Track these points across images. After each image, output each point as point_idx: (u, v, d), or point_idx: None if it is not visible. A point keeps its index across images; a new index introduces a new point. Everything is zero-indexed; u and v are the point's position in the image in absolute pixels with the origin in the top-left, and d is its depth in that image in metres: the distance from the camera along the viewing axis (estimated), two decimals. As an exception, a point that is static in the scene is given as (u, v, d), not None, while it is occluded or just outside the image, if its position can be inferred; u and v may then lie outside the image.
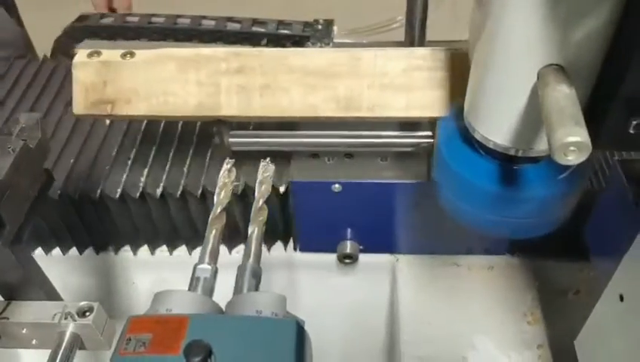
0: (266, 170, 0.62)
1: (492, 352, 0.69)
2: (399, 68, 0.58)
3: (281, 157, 0.69)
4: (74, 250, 0.79)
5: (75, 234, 0.77)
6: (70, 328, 0.50)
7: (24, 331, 0.52)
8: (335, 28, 0.71)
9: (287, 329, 0.38)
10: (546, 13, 0.37)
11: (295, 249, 0.77)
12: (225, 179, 0.60)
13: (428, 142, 0.62)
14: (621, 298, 0.48)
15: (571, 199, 0.52)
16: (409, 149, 0.64)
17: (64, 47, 0.86)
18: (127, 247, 0.79)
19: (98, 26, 0.81)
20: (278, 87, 0.59)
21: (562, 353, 0.68)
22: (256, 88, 0.59)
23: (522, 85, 0.41)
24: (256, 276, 0.48)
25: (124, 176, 0.71)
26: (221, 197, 0.56)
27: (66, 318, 0.50)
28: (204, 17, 0.76)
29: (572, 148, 0.34)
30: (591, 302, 0.53)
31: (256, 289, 0.48)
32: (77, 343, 0.50)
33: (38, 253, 0.79)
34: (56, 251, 0.79)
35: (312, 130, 0.65)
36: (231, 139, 0.63)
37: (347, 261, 0.74)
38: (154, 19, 0.79)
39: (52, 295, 0.55)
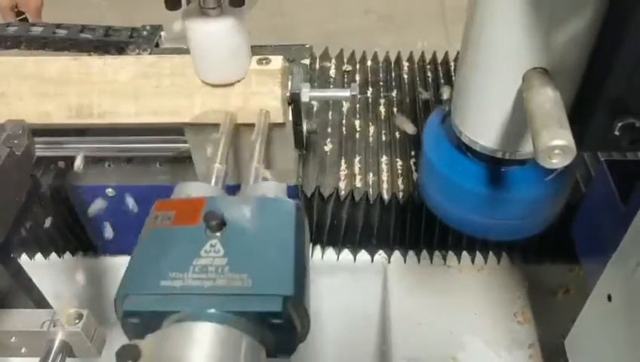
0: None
1: (483, 352, 0.70)
2: (128, 76, 0.60)
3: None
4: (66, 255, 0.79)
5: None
6: (59, 336, 0.50)
7: (13, 339, 0.51)
8: (163, 33, 0.72)
9: (288, 206, 0.43)
10: (530, 17, 0.37)
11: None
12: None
13: (186, 147, 0.65)
14: (609, 298, 0.48)
15: (559, 200, 0.52)
16: (170, 154, 0.68)
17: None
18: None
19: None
20: (13, 95, 0.60)
21: (553, 352, 0.68)
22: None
23: (508, 88, 0.41)
24: (261, 175, 0.51)
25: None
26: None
27: (55, 326, 0.50)
28: (34, 25, 0.74)
29: (557, 151, 0.34)
30: (580, 302, 0.53)
31: None
32: (66, 351, 0.50)
33: (26, 260, 0.78)
34: (46, 257, 0.78)
35: (94, 136, 0.67)
36: None
37: None
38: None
39: (41, 302, 0.55)
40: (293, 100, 0.61)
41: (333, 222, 0.74)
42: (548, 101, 0.37)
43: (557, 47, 0.38)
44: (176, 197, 0.46)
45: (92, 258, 0.79)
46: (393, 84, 0.85)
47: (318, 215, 0.73)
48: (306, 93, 0.61)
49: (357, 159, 0.75)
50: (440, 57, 0.88)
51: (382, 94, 0.83)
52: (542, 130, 0.35)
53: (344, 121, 0.79)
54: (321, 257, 0.78)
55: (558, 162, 0.34)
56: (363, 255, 0.77)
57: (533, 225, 0.52)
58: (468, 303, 0.73)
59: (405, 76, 0.86)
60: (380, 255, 0.77)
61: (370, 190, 0.70)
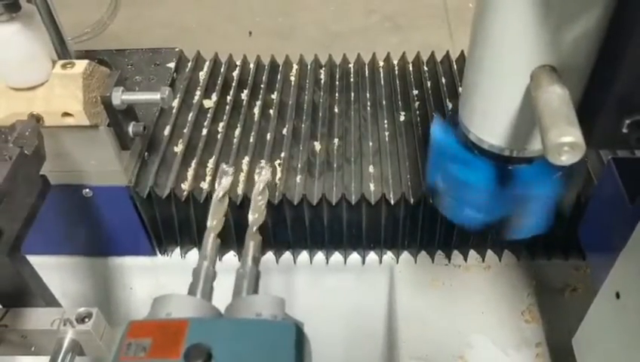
0: (262, 174, 0.62)
1: (490, 351, 0.70)
2: None
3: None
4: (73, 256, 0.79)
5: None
6: (69, 334, 0.50)
7: (23, 338, 0.52)
8: None
9: (287, 332, 0.38)
10: (538, 15, 0.37)
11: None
12: (224, 185, 0.60)
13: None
14: (617, 295, 0.48)
15: (567, 198, 0.52)
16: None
17: None
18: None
19: None
20: None
21: (561, 351, 0.68)
22: None
23: (515, 86, 0.41)
24: (255, 279, 0.48)
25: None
26: (219, 202, 0.56)
27: (65, 325, 0.50)
28: None
29: (566, 148, 0.34)
30: (588, 300, 0.53)
31: (255, 292, 0.48)
32: (76, 349, 0.51)
33: (35, 260, 0.79)
34: (54, 258, 0.79)
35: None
36: None
37: None
38: None
39: (50, 301, 0.55)
40: (104, 103, 0.62)
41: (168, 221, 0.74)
42: (556, 98, 0.37)
43: (565, 44, 0.38)
44: (152, 315, 0.42)
45: (101, 259, 0.80)
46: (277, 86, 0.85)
47: (161, 215, 0.73)
48: (118, 97, 0.62)
49: (211, 160, 0.75)
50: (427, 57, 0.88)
51: (260, 97, 0.83)
52: (551, 128, 0.35)
53: (205, 123, 0.79)
54: (326, 262, 0.78)
55: (567, 159, 0.34)
56: (371, 255, 0.78)
57: (542, 223, 0.52)
58: (475, 302, 0.73)
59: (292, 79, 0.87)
60: (387, 254, 0.77)
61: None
